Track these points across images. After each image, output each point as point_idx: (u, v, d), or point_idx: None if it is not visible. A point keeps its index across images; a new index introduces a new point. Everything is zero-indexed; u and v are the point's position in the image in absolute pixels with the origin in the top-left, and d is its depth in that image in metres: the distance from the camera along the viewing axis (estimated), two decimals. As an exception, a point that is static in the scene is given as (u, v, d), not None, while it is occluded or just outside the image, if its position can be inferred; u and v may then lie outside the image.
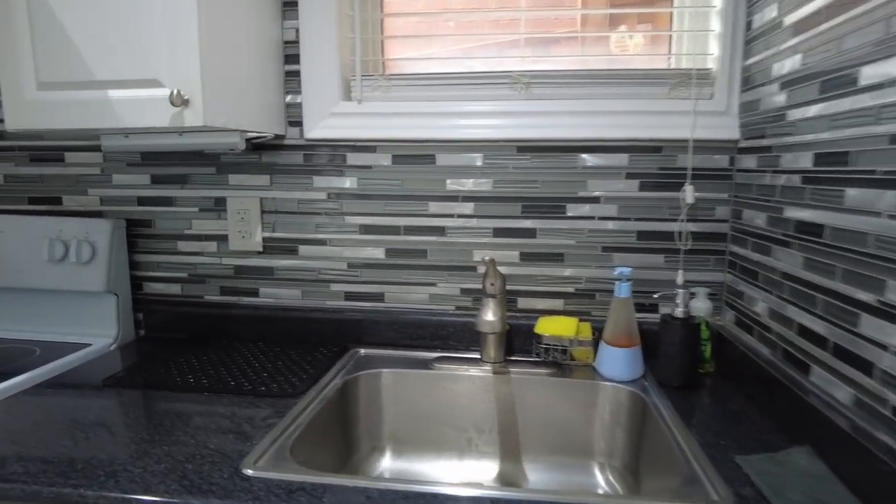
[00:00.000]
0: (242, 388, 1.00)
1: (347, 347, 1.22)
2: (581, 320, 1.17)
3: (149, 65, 0.92)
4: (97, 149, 1.29)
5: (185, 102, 0.91)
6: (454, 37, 1.25)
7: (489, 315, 0.92)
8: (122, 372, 1.07)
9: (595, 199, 1.16)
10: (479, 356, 1.14)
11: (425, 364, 1.13)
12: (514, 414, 1.09)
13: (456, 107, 1.17)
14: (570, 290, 1.19)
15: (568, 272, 1.19)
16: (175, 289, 1.32)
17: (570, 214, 1.17)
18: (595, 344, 1.12)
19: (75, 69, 0.94)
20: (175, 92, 0.89)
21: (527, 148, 1.17)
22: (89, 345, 1.22)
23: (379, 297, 1.25)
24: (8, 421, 0.87)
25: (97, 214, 1.32)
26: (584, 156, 1.15)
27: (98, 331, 1.27)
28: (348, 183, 1.22)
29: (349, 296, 1.26)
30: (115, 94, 0.94)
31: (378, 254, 1.24)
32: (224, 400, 0.95)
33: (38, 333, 1.28)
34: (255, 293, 1.29)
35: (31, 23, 0.95)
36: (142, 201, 1.30)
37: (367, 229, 1.23)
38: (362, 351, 1.21)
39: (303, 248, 1.26)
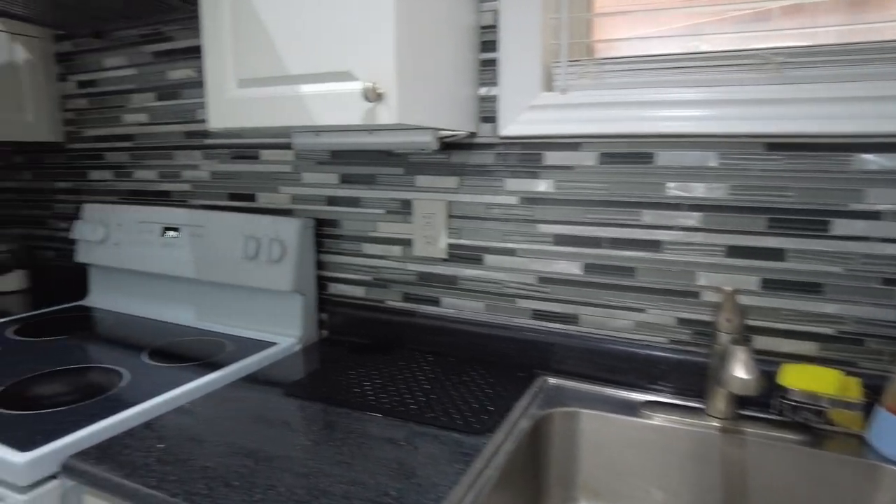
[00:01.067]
0: (424, 415, 0.89)
1: (534, 373, 1.08)
2: (845, 373, 0.89)
3: (341, 55, 0.85)
4: (289, 147, 1.29)
5: (379, 97, 0.82)
6: (682, 10, 1.02)
7: (740, 370, 0.70)
8: (306, 379, 1.04)
9: (874, 215, 0.87)
10: (700, 405, 0.92)
11: (632, 408, 0.94)
12: (744, 487, 0.86)
13: (682, 94, 0.95)
14: (830, 331, 0.92)
15: (829, 308, 0.91)
16: (359, 291, 1.27)
17: (835, 233, 0.90)
18: (867, 408, 0.85)
19: (271, 64, 0.90)
20: (369, 86, 0.80)
21: (779, 145, 0.91)
22: (275, 343, 1.22)
23: (572, 319, 1.08)
24: (198, 422, 0.86)
25: (287, 213, 1.32)
26: (863, 156, 0.87)
27: (284, 329, 1.27)
28: (543, 186, 1.07)
29: (538, 314, 1.11)
30: (307, 89, 0.88)
31: (573, 269, 1.07)
32: (405, 428, 0.86)
33: (228, 327, 1.31)
34: (435, 302, 1.19)
35: (233, 19, 0.92)
36: (331, 201, 1.27)
37: (562, 240, 1.07)
38: (552, 380, 1.05)
39: (489, 258, 1.13)
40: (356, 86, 0.84)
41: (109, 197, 1.58)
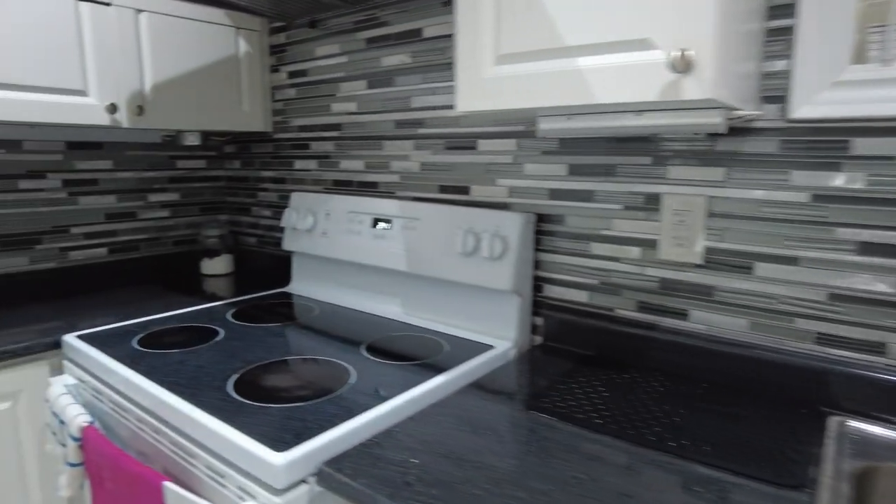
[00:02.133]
0: (685, 449, 0.74)
1: (821, 411, 0.87)
2: None
3: (637, 20, 0.71)
4: (511, 136, 1.18)
5: (688, 67, 0.67)
6: None
7: None
8: (537, 391, 0.92)
9: None
10: None
11: None
12: None
13: None
14: None
15: None
16: (581, 296, 1.14)
17: None
18: None
19: (541, 35, 0.79)
20: (676, 54, 0.66)
21: None
22: (491, 347, 1.12)
23: (875, 348, 0.86)
24: (443, 436, 0.77)
25: (503, 206, 1.22)
26: None
27: (498, 331, 1.17)
28: (846, 181, 0.86)
29: (825, 339, 0.90)
30: (588, 62, 0.76)
31: (881, 286, 0.85)
32: (668, 470, 0.71)
33: (439, 325, 1.24)
34: (682, 315, 1.03)
35: (497, -10, 0.83)
36: (554, 194, 1.15)
37: (868, 249, 0.85)
38: (852, 423, 0.84)
39: (761, 267, 0.94)
40: (655, 55, 0.70)
41: (313, 187, 1.60)
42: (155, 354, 1.06)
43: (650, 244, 1.05)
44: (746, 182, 0.94)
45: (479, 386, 0.96)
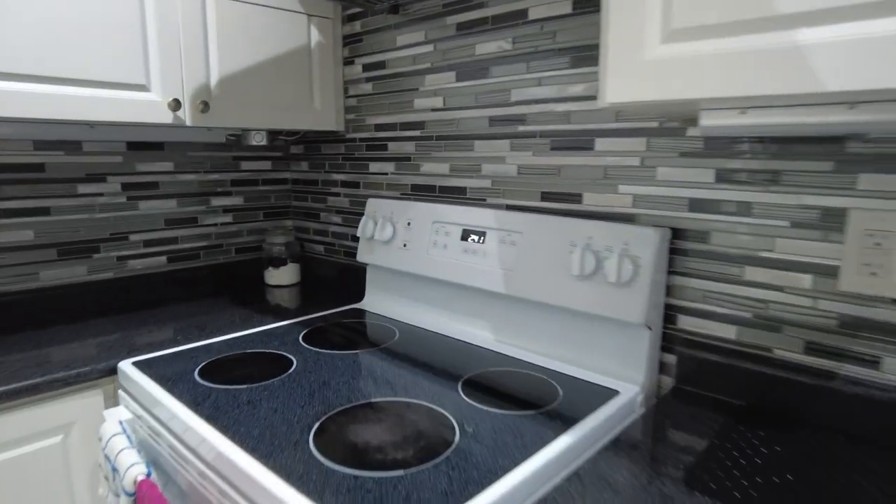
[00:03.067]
0: None
1: None
2: None
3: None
4: (640, 133, 0.98)
5: None
6: None
7: None
8: (707, 468, 0.72)
9: None
10: None
11: None
12: None
13: None
14: None
15: None
16: (727, 331, 0.93)
17: None
18: None
19: (736, 1, 0.59)
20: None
21: None
22: (615, 392, 0.92)
23: None
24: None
25: (625, 218, 1.01)
26: None
27: (621, 371, 0.97)
28: None
29: None
30: (808, 34, 0.55)
31: None
32: None
33: (546, 359, 1.04)
34: (873, 363, 0.80)
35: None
36: (696, 205, 0.94)
37: None
38: None
39: None
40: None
41: (388, 192, 1.43)
42: (220, 391, 0.90)
43: (827, 271, 0.83)
44: (982, 194, 0.71)
45: (618, 448, 0.77)
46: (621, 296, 0.94)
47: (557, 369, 1.00)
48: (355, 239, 1.55)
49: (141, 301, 1.44)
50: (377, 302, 1.37)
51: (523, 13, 1.11)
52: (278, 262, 1.60)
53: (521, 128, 1.14)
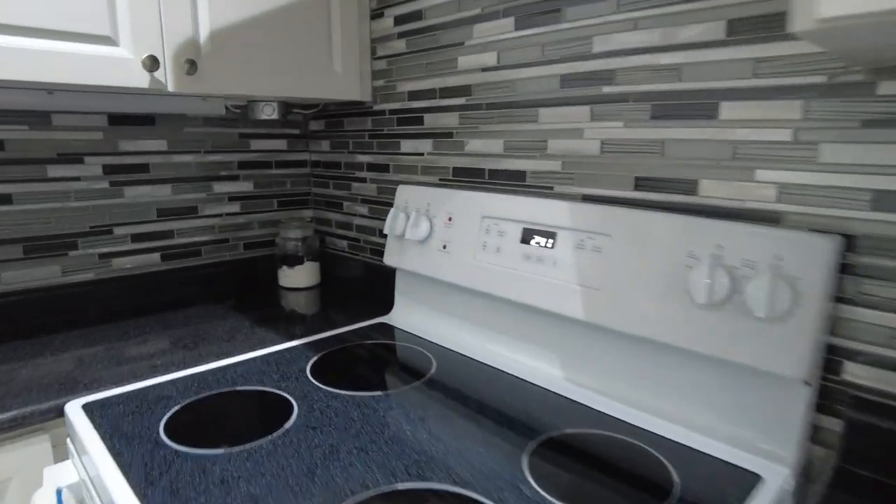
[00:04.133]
0: None
1: None
2: None
3: None
4: (794, 94, 0.66)
5: None
6: None
7: None
8: None
9: None
10: None
11: None
12: None
13: None
14: None
15: None
16: (932, 392, 0.61)
17: None
18: None
19: None
20: None
21: None
22: (757, 477, 0.62)
23: None
24: None
25: (766, 218, 0.70)
26: None
27: (761, 443, 0.66)
28: None
29: None
30: None
31: None
32: None
33: (654, 418, 0.74)
34: None
35: None
36: (883, 201, 0.62)
37: None
38: None
39: None
40: None
41: (424, 177, 1.14)
42: (187, 458, 0.64)
43: None
44: None
45: None
46: (770, 335, 0.63)
47: (665, 434, 0.70)
48: (383, 235, 1.27)
49: (127, 308, 1.20)
50: (408, 317, 1.09)
51: (614, -73, 0.79)
52: (293, 261, 1.34)
53: (607, 89, 0.83)
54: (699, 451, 0.67)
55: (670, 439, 0.69)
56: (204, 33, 0.97)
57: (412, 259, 1.03)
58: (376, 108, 1.23)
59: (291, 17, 1.07)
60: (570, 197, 0.90)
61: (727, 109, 0.72)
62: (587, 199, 0.88)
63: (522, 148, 0.96)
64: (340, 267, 1.39)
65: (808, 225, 0.67)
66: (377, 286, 1.28)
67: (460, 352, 0.94)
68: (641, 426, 0.72)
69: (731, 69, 0.71)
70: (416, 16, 1.10)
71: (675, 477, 0.62)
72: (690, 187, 0.77)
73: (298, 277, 1.35)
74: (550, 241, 0.83)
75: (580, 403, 0.77)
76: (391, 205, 1.23)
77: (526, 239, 0.86)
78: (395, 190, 1.22)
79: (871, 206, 0.63)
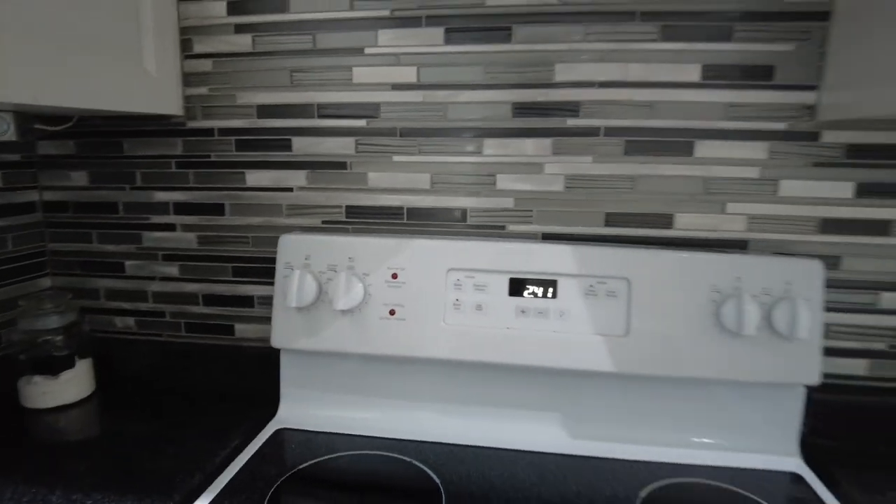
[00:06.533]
0: None
1: None
2: None
3: None
4: (761, 137, 0.76)
5: None
6: None
7: None
8: None
9: None
10: None
11: None
12: None
13: None
14: None
15: None
16: (857, 367, 0.81)
17: None
18: None
19: None
20: None
21: None
22: (796, 475, 0.70)
23: None
24: None
25: (735, 245, 0.79)
26: None
27: (773, 445, 0.75)
28: None
29: None
30: None
31: None
32: None
33: (696, 450, 0.75)
34: None
35: None
36: (829, 226, 0.77)
37: None
38: None
39: None
40: None
41: (297, 220, 0.87)
42: None
43: (976, 290, 0.76)
44: None
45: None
46: (785, 352, 0.71)
47: (730, 464, 0.72)
48: (217, 302, 0.91)
49: None
50: (329, 412, 0.81)
51: (578, -49, 0.74)
52: (58, 365, 0.84)
53: (573, 122, 0.78)
54: (762, 470, 0.71)
55: (736, 467, 0.71)
56: (-55, -13, 0.50)
57: (335, 335, 0.77)
58: (193, 125, 0.87)
59: (81, -17, 0.65)
60: (525, 236, 0.82)
61: (701, 148, 0.77)
62: (547, 237, 0.82)
63: (459, 183, 0.82)
64: (128, 358, 0.94)
65: (769, 249, 0.78)
66: (219, 376, 0.91)
67: (455, 442, 0.75)
68: (704, 463, 0.72)
69: (706, 110, 0.76)
70: (273, 5, 0.81)
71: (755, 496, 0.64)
72: (666, 221, 0.79)
73: (64, 390, 0.85)
74: (550, 289, 0.74)
75: (556, 454, 0.72)
76: (217, 260, 0.89)
77: (516, 291, 0.75)
78: (231, 239, 0.89)
79: (819, 230, 0.77)
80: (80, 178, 0.91)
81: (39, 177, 0.92)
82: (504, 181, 0.81)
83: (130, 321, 0.95)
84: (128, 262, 0.93)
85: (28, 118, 0.81)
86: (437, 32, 0.79)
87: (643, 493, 0.65)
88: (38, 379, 0.84)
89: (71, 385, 0.86)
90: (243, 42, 0.83)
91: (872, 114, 0.64)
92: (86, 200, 0.92)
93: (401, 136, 0.82)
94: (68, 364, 0.85)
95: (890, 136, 0.74)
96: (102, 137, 0.89)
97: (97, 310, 0.95)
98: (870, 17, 0.65)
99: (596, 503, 0.63)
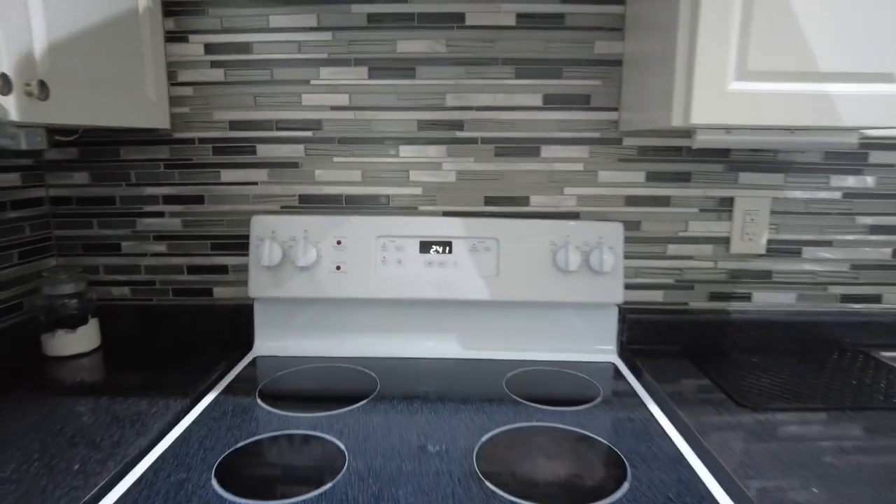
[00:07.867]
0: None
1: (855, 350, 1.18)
2: None
3: (883, 56, 0.82)
4: (583, 142, 1.13)
5: (929, 99, 0.82)
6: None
7: None
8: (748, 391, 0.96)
9: None
10: None
11: None
12: None
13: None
14: None
15: None
16: (656, 296, 1.20)
17: None
18: None
19: (797, 59, 0.82)
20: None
21: None
22: (608, 363, 1.09)
23: (875, 299, 1.21)
24: None
25: (570, 216, 1.16)
26: None
27: (599, 345, 1.13)
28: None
29: (845, 298, 1.21)
30: (835, 88, 0.83)
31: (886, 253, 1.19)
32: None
33: (554, 352, 1.11)
34: (747, 298, 1.20)
35: (746, 9, 0.81)
36: (631, 201, 1.16)
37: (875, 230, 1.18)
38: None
39: (806, 251, 1.19)
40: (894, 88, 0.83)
41: (262, 206, 1.16)
42: None
43: (721, 241, 1.18)
44: (799, 185, 1.16)
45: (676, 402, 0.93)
46: (603, 283, 1.09)
47: (566, 359, 1.09)
48: (198, 271, 1.19)
49: None
50: (294, 343, 1.11)
51: (459, 17, 1.09)
52: (74, 322, 1.09)
53: (461, 134, 1.13)
54: (567, 361, 1.08)
55: (570, 361, 1.08)
56: (40, 49, 0.78)
57: (297, 285, 1.08)
58: (178, 135, 1.14)
59: (110, 34, 0.92)
60: (437, 214, 1.16)
61: (546, 151, 1.14)
62: (446, 213, 1.16)
63: (383, 177, 1.15)
64: (125, 318, 1.20)
65: (593, 217, 1.16)
66: (202, 328, 1.19)
67: (390, 356, 1.08)
68: (553, 359, 1.08)
69: (546, 125, 1.13)
70: (241, 48, 1.11)
71: (583, 375, 1.02)
72: (524, 201, 1.16)
73: (80, 341, 1.10)
74: (446, 248, 1.08)
75: (503, 360, 1.08)
76: (198, 239, 1.17)
77: (424, 249, 1.08)
78: (209, 222, 1.17)
79: (625, 204, 1.16)
80: (82, 177, 1.16)
81: (46, 177, 1.16)
82: (415, 175, 1.15)
83: (126, 290, 1.20)
84: (124, 243, 1.18)
85: (52, 132, 1.06)
86: (363, 70, 1.11)
87: (508, 375, 1.01)
88: (60, 332, 1.09)
89: (85, 338, 1.11)
90: (217, 74, 1.12)
91: (645, 127, 1.03)
92: (87, 195, 1.17)
93: (339, 143, 1.14)
94: (83, 321, 1.11)
95: (665, 140, 1.13)
96: (102, 146, 1.14)
97: (97, 283, 1.20)
98: (642, 66, 1.04)
99: (477, 384, 0.98)
